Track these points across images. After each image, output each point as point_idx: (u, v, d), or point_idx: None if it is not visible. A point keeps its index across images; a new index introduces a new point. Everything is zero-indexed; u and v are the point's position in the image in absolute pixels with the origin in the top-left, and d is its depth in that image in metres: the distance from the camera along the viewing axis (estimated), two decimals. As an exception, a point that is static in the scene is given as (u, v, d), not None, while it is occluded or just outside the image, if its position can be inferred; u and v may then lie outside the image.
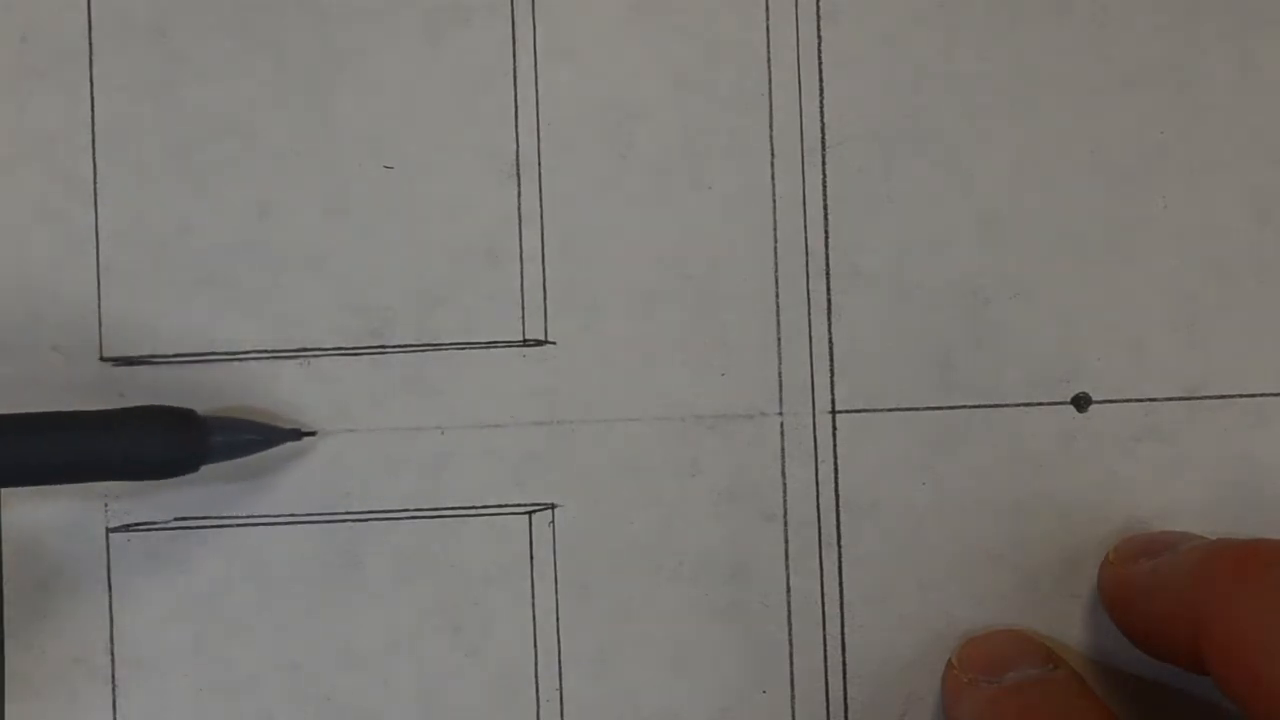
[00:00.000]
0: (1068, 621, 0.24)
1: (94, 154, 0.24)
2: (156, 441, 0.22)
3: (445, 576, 0.24)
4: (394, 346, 0.24)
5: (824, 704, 0.24)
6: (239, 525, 0.24)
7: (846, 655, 0.24)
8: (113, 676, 0.24)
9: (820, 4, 0.24)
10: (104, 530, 0.24)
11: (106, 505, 0.24)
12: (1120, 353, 0.24)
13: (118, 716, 0.24)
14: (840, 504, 0.24)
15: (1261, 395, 0.24)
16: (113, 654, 0.24)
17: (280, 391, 0.24)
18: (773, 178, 0.24)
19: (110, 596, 0.24)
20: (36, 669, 0.24)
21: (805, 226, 0.24)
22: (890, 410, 0.24)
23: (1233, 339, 0.24)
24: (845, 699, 0.24)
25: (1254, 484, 0.24)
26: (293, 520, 0.24)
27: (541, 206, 0.24)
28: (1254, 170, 0.24)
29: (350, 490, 0.24)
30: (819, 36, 0.24)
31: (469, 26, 0.24)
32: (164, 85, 0.24)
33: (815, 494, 0.24)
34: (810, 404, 0.24)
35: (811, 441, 0.24)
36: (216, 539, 0.24)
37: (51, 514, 0.24)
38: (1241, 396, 0.24)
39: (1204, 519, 0.24)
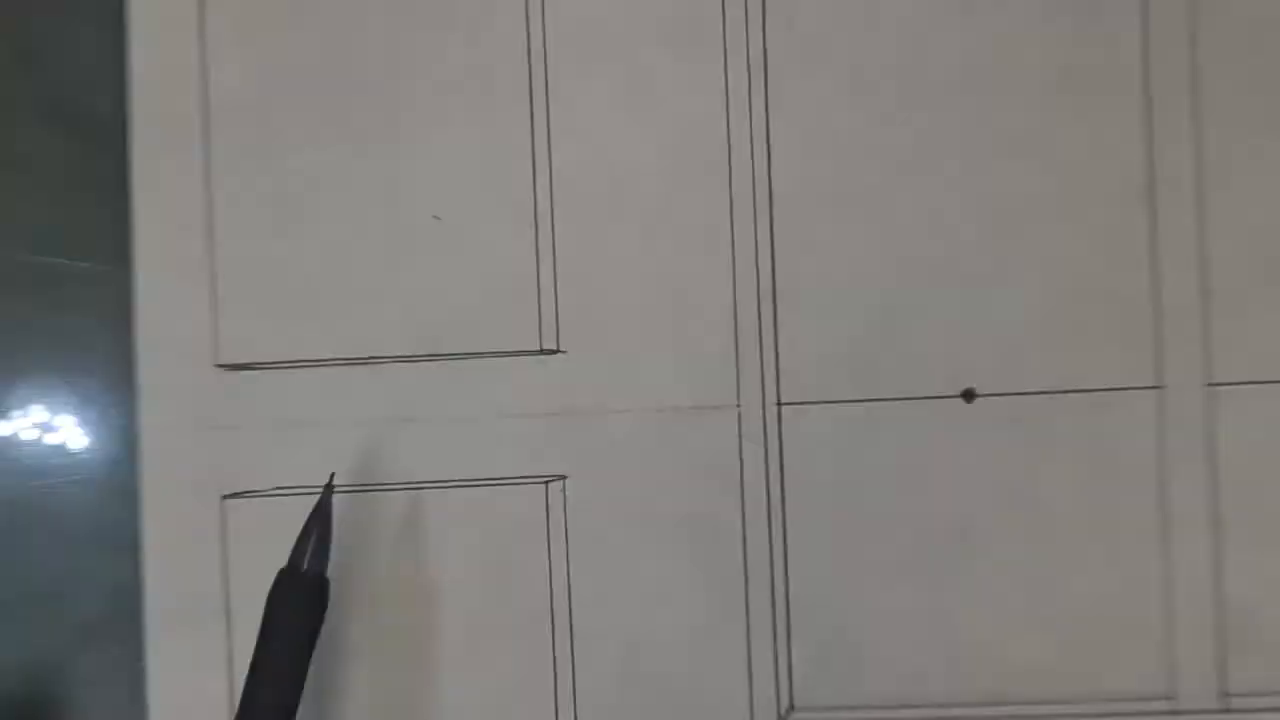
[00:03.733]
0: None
1: (210, 205, 0.32)
2: None
3: (483, 531, 0.31)
4: (443, 355, 0.31)
5: (771, 627, 0.31)
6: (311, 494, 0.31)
7: (790, 591, 0.31)
8: (228, 613, 0.31)
9: (769, 92, 0.31)
10: (219, 497, 0.31)
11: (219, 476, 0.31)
12: (1001, 356, 0.31)
13: (231, 644, 0.31)
14: (785, 476, 0.31)
15: (1114, 390, 0.31)
16: (228, 594, 0.31)
17: (353, 391, 0.31)
18: (731, 224, 0.31)
19: (225, 548, 0.31)
20: (169, 606, 0.31)
21: (757, 262, 0.31)
22: (822, 402, 0.31)
23: (1089, 345, 0.31)
24: (789, 625, 0.31)
25: (1110, 463, 0.31)
26: (367, 488, 0.31)
27: (554, 248, 0.32)
28: (1101, 214, 0.31)
29: (412, 466, 0.31)
30: (767, 116, 0.31)
31: (499, 111, 0.32)
32: (266, 152, 0.32)
33: (765, 468, 0.31)
34: (760, 398, 0.31)
35: (761, 426, 0.31)
36: (308, 504, 0.31)
37: (178, 484, 0.31)
38: (1098, 391, 0.31)
39: (1071, 495, 0.31)
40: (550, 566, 0.31)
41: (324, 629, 0.28)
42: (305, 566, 0.28)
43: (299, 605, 0.28)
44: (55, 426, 0.31)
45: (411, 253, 0.32)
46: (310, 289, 0.32)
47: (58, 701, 0.31)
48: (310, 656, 0.28)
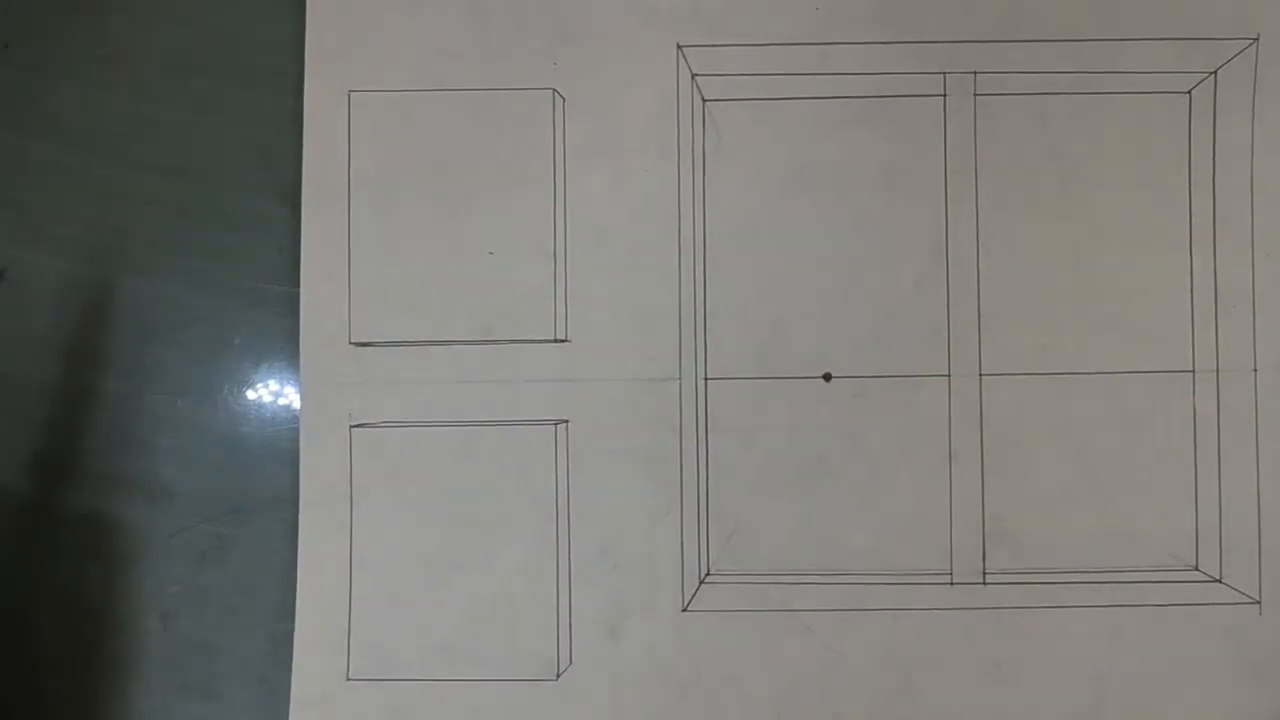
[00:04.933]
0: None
1: (348, 246, 0.49)
2: None
3: (511, 454, 0.49)
4: (493, 340, 0.49)
5: (696, 521, 0.48)
6: (405, 427, 0.49)
7: (710, 498, 0.48)
8: (351, 498, 0.49)
9: (706, 178, 0.49)
10: (349, 426, 0.49)
11: (350, 413, 0.49)
12: (849, 352, 0.48)
13: (353, 516, 0.49)
14: (709, 424, 0.48)
15: (918, 376, 0.48)
16: (352, 486, 0.49)
17: (434, 364, 0.49)
18: (679, 263, 0.49)
19: (351, 458, 0.49)
20: (314, 495, 0.49)
21: (694, 288, 0.48)
22: (735, 378, 0.48)
23: (900, 346, 0.48)
24: (708, 520, 0.48)
25: (914, 425, 0.48)
26: (441, 424, 0.49)
27: (566, 272, 0.49)
28: (913, 268, 0.48)
29: (471, 411, 0.49)
30: (704, 195, 0.49)
31: (534, 186, 0.49)
32: (384, 210, 0.49)
33: (695, 420, 0.48)
34: (694, 373, 0.49)
35: (693, 394, 0.48)
36: (405, 433, 0.49)
37: (325, 417, 0.49)
38: (908, 376, 0.48)
39: (891, 444, 0.48)
40: (555, 478, 0.49)
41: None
42: None
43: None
44: (269, 386, 0.50)
45: (475, 274, 0.49)
46: (409, 296, 0.49)
47: (251, 524, 0.49)
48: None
